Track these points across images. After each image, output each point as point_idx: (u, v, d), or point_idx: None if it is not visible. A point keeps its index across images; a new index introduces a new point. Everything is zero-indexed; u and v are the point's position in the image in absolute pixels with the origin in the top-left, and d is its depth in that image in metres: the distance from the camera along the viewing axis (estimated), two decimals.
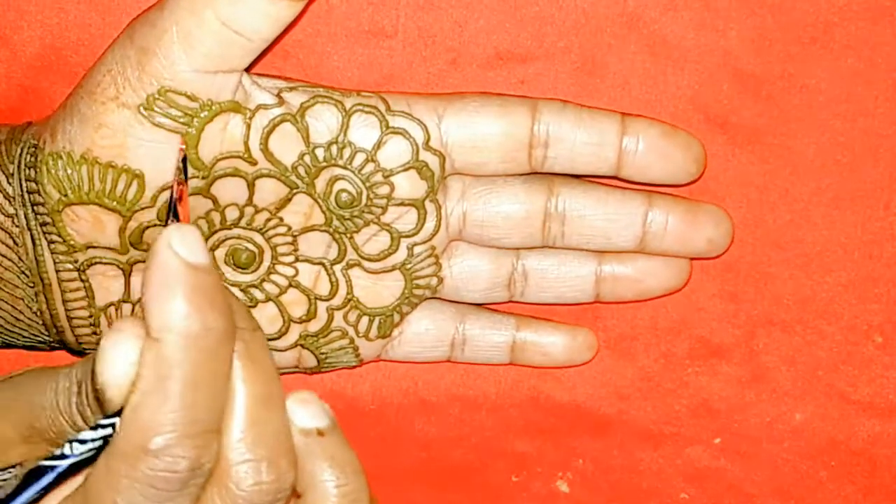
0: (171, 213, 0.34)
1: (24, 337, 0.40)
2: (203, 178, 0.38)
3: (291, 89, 0.38)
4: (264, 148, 0.38)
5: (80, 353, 0.41)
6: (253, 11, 0.35)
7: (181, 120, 0.37)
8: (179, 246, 0.30)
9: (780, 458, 0.45)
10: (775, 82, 0.41)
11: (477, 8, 0.40)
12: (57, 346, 0.41)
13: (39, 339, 0.40)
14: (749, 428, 0.45)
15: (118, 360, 0.31)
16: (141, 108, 0.36)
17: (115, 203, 0.37)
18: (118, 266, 0.39)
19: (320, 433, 0.33)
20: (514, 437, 0.46)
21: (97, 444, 0.31)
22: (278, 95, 0.38)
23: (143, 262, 0.39)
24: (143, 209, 0.38)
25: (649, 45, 0.41)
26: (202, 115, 0.37)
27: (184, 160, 0.37)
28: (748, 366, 0.44)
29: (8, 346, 0.42)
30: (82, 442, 0.31)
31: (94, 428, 0.31)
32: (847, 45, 0.41)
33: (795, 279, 0.43)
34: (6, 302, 0.39)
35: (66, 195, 0.37)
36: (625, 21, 0.40)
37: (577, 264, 0.42)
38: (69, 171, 0.37)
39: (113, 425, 0.31)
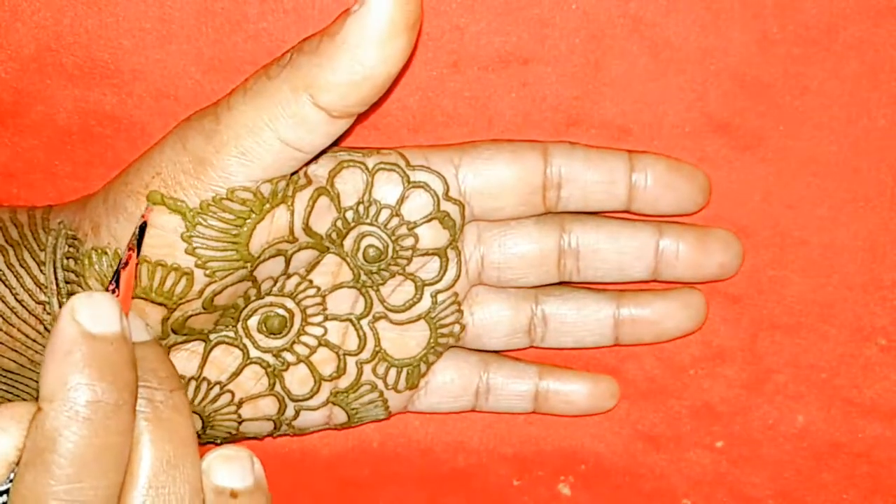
0: (114, 279, 0.34)
1: None
2: (250, 267, 0.38)
3: (314, 160, 0.39)
4: (306, 226, 0.38)
5: None
6: (313, 132, 0.35)
7: (233, 223, 0.37)
8: (83, 314, 0.30)
9: (782, 462, 0.45)
10: (778, 85, 0.41)
11: (478, 10, 0.40)
12: None
13: None
14: (751, 431, 0.45)
15: (6, 431, 0.30)
16: (194, 215, 0.36)
17: (162, 298, 0.37)
18: None
19: (234, 494, 0.33)
20: (515, 440, 0.46)
21: None
22: (305, 175, 0.38)
23: (182, 345, 0.39)
24: (189, 301, 0.38)
25: (651, 48, 0.40)
26: (253, 217, 0.37)
27: (142, 228, 0.36)
28: (751, 368, 0.44)
29: None
30: None
31: None
32: (849, 47, 0.40)
33: (799, 282, 0.43)
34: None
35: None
36: (627, 23, 0.40)
37: (596, 308, 0.42)
38: (115, 268, 0.37)
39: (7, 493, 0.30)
